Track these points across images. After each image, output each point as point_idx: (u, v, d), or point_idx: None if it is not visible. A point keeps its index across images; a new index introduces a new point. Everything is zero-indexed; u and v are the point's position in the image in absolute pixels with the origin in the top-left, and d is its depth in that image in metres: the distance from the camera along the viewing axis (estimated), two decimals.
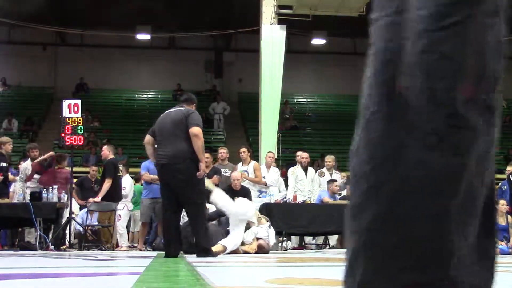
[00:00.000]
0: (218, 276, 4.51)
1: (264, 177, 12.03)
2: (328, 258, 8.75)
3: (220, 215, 9.02)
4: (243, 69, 24.89)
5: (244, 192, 10.92)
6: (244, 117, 24.60)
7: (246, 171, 11.88)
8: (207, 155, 12.02)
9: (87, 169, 15.98)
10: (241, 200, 9.06)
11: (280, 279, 4.23)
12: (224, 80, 26.69)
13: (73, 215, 11.13)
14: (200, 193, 7.44)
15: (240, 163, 12.16)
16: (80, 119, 11.23)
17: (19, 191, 11.26)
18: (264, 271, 5.74)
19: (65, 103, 11.34)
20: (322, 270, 5.97)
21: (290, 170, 12.70)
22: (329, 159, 13.05)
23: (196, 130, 7.29)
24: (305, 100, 27.40)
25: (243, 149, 12.23)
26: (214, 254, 7.43)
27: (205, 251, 7.24)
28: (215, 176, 11.69)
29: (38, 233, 10.26)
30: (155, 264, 5.97)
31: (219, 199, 8.49)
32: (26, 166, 11.85)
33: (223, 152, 12.21)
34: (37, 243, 10.33)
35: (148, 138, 7.61)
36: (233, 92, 26.48)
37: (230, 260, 7.12)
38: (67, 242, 10.89)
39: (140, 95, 26.64)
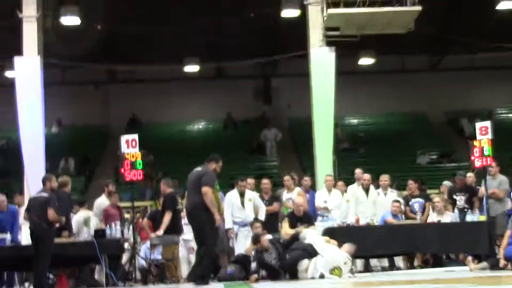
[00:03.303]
0: None
1: (325, 201, 11.84)
2: (394, 281, 8.51)
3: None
4: (291, 94, 24.81)
5: (308, 218, 10.78)
6: (295, 142, 24.44)
7: (291, 198, 11.72)
8: (265, 181, 11.91)
9: (145, 203, 16.09)
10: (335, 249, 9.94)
11: None
12: (273, 106, 26.62)
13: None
14: (210, 235, 9.24)
15: (285, 191, 12.02)
16: (138, 154, 11.27)
17: (94, 226, 11.38)
18: None
19: (123, 138, 11.39)
20: None
21: (350, 190, 12.37)
22: (384, 178, 12.74)
23: (204, 190, 9.11)
24: (356, 121, 27.12)
25: (286, 177, 12.17)
26: (208, 283, 9.08)
27: (202, 278, 8.96)
28: (275, 203, 11.57)
29: (104, 270, 10.28)
30: None
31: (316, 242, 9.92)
32: (101, 201, 12.36)
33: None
34: (103, 280, 10.35)
35: None
36: (283, 118, 26.39)
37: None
38: (133, 278, 10.86)
39: (191, 127, 26.78)
